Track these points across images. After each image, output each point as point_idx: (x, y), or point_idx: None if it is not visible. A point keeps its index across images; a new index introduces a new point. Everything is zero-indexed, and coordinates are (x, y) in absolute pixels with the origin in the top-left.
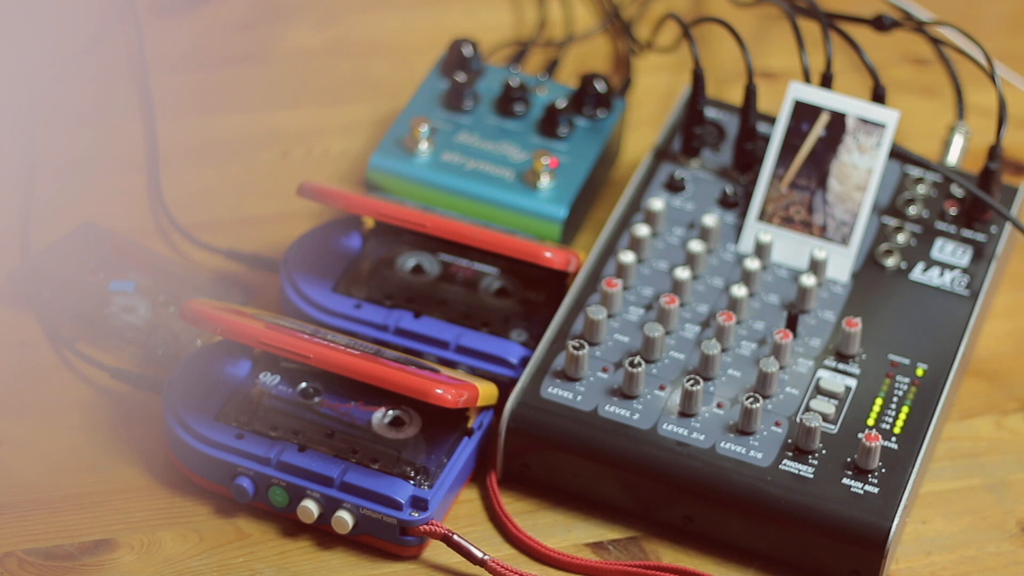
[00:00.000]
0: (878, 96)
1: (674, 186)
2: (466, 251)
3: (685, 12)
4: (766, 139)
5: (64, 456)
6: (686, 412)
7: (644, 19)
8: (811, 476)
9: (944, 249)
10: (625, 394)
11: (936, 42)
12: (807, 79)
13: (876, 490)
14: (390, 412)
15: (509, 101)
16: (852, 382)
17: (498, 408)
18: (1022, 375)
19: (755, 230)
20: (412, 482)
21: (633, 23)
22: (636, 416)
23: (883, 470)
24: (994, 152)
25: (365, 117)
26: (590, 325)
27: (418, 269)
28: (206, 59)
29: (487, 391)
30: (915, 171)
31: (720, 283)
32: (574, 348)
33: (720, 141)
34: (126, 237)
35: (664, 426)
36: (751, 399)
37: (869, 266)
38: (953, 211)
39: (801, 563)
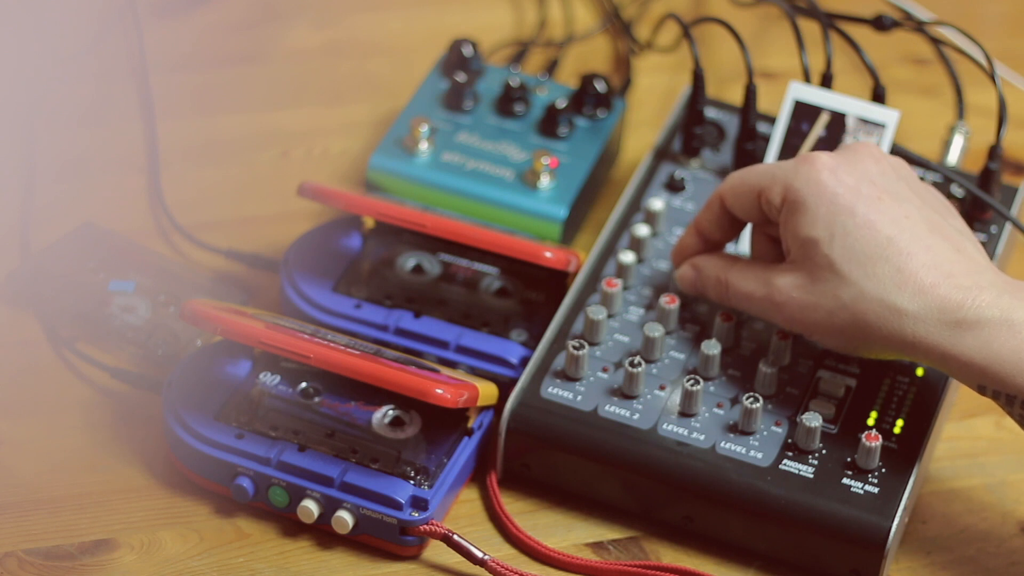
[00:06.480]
0: (878, 96)
1: (674, 186)
2: (466, 251)
3: (685, 12)
4: (766, 139)
5: (64, 456)
6: (686, 412)
7: (644, 19)
8: (811, 476)
9: None
10: (625, 394)
11: (936, 42)
12: (807, 79)
13: (876, 490)
14: (390, 412)
15: (509, 101)
16: (852, 382)
17: (498, 408)
18: None
19: None
20: (412, 482)
21: (633, 23)
22: (636, 416)
23: (883, 470)
24: (994, 152)
25: (365, 117)
26: (590, 325)
27: (418, 269)
28: (206, 59)
29: (487, 391)
30: (915, 171)
31: None
32: (574, 348)
33: (720, 141)
34: (126, 237)
35: (664, 426)
36: (751, 399)
37: None
38: None
39: (801, 563)
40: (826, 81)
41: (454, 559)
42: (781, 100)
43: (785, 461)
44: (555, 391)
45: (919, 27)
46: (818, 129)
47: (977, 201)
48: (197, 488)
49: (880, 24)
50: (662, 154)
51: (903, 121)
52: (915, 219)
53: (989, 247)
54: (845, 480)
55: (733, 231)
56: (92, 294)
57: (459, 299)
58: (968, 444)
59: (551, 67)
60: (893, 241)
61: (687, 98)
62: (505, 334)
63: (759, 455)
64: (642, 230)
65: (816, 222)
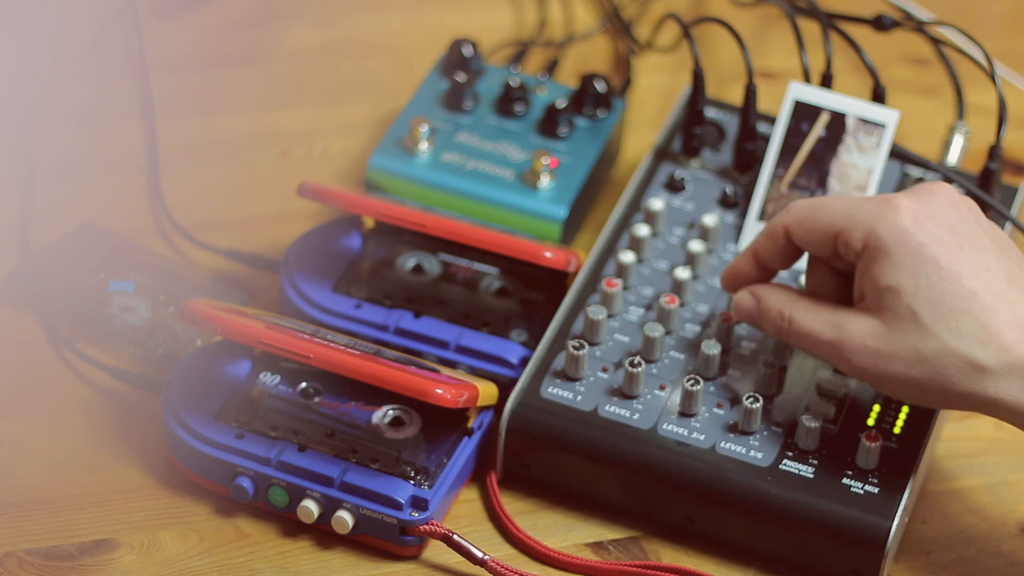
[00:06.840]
0: (878, 96)
1: (674, 186)
2: (466, 251)
3: (685, 12)
4: (766, 139)
5: (64, 456)
6: (686, 412)
7: (644, 19)
8: (811, 476)
9: None
10: (625, 394)
11: (936, 42)
12: (807, 79)
13: (876, 490)
14: (390, 412)
15: (509, 101)
16: (852, 382)
17: (498, 408)
18: None
19: (755, 230)
20: (412, 482)
21: (633, 23)
22: (636, 416)
23: (883, 470)
24: (994, 152)
25: (365, 117)
26: (590, 325)
27: (418, 269)
28: (206, 59)
29: (487, 391)
30: (915, 171)
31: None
32: (574, 348)
33: (720, 141)
34: (126, 237)
35: (664, 426)
36: (751, 399)
37: None
38: None
39: (801, 563)
40: (826, 81)
41: (454, 559)
42: (781, 100)
43: (785, 461)
44: (555, 391)
45: (919, 27)
46: (818, 129)
47: (977, 201)
48: (197, 488)
49: (880, 24)
50: (662, 154)
51: (903, 121)
52: (995, 271)
53: None
54: (845, 480)
55: (792, 260)
56: (92, 294)
57: (459, 299)
58: (968, 444)
59: (551, 67)
60: (977, 296)
61: (687, 98)
62: (505, 334)
63: (759, 455)
64: (642, 230)
65: (899, 271)
